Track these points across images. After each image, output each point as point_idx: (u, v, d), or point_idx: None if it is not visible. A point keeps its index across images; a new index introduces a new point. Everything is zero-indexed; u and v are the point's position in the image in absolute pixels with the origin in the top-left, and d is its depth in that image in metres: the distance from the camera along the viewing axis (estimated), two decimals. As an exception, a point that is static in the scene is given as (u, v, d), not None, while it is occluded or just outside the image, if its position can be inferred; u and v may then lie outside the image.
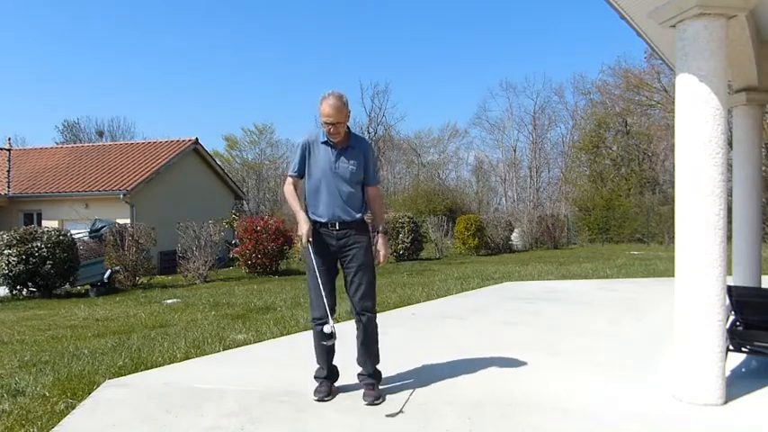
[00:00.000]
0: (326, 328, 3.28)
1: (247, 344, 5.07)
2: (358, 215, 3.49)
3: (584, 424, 3.07)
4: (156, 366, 4.32)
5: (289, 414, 3.24)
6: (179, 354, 4.69)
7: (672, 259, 3.86)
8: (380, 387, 3.57)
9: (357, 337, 3.53)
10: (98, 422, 3.16)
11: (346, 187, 3.42)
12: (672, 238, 17.70)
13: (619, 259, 14.78)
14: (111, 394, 3.65)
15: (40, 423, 3.17)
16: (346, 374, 3.89)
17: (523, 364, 4.25)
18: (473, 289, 8.86)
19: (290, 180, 3.57)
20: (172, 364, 4.38)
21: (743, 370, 4.12)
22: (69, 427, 3.10)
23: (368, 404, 3.36)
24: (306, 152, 3.48)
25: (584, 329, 5.59)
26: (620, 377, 3.90)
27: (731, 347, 3.75)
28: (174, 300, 9.68)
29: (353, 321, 3.57)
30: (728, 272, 3.58)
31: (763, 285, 6.01)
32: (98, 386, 3.82)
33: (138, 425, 3.09)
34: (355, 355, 3.60)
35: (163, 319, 7.31)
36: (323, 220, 3.44)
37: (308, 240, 3.41)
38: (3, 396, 3.72)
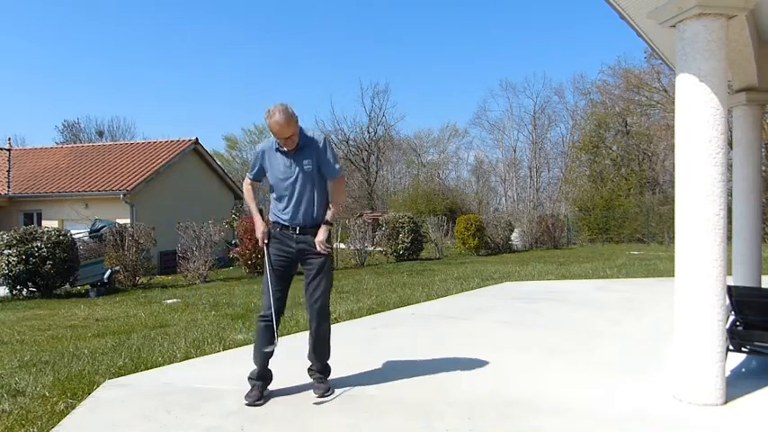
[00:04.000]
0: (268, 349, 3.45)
1: (247, 344, 5.06)
2: (318, 219, 3.51)
3: (584, 424, 3.07)
4: (156, 366, 4.32)
5: (289, 414, 3.24)
6: (179, 354, 4.69)
7: (672, 259, 3.86)
8: (377, 386, 3.62)
9: (309, 337, 3.61)
10: (98, 422, 3.16)
11: (305, 190, 3.47)
12: (672, 238, 17.71)
13: (619, 259, 14.78)
14: (111, 394, 3.65)
15: (40, 423, 3.17)
16: (346, 375, 3.90)
17: (523, 364, 4.25)
18: (473, 289, 8.86)
19: (247, 181, 3.78)
20: (172, 364, 4.38)
21: (743, 370, 4.12)
22: (69, 427, 3.10)
23: (318, 396, 3.45)
24: (262, 161, 3.59)
25: (584, 329, 5.59)
26: (621, 377, 3.90)
27: (731, 347, 3.75)
28: (174, 300, 9.68)
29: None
30: (728, 272, 3.58)
31: (763, 285, 6.02)
32: (98, 386, 3.82)
33: (138, 425, 3.09)
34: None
35: (163, 319, 7.31)
36: (284, 223, 3.51)
37: (264, 243, 3.55)
38: (3, 396, 3.72)
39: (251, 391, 3.43)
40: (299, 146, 3.45)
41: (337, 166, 3.55)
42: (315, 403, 3.40)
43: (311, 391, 3.57)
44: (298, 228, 3.48)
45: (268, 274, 3.47)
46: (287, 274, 3.56)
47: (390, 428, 3.02)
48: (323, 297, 3.51)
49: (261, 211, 3.73)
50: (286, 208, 3.50)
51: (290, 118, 3.31)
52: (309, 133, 3.52)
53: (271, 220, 3.61)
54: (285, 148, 3.44)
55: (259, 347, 3.50)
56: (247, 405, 3.34)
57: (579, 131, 35.73)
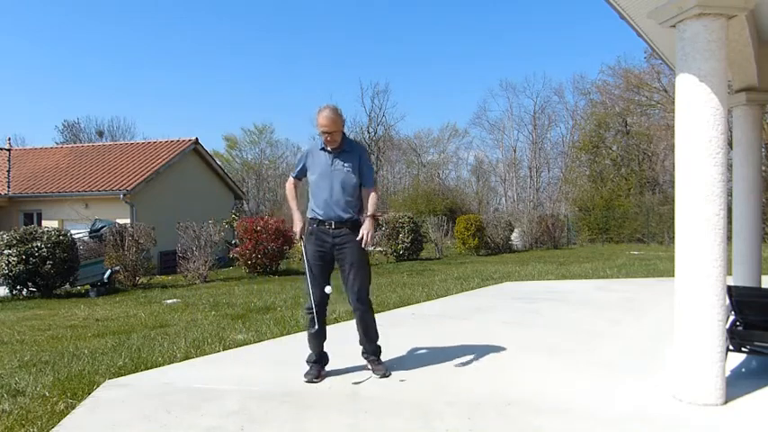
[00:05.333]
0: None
1: (247, 344, 5.07)
2: (353, 214, 3.84)
3: (585, 424, 3.07)
4: (156, 366, 4.32)
5: (289, 414, 3.24)
6: (179, 354, 4.69)
7: (672, 259, 3.86)
8: (377, 385, 3.65)
9: (357, 325, 3.99)
10: (98, 422, 3.16)
11: (342, 187, 3.80)
12: (672, 238, 17.70)
13: (619, 259, 14.78)
14: (111, 394, 3.65)
15: (40, 423, 3.17)
16: (346, 374, 3.89)
17: (523, 364, 4.25)
18: (473, 289, 8.85)
19: (290, 180, 4.10)
20: (172, 364, 4.38)
21: (743, 370, 4.12)
22: (69, 427, 3.10)
23: (380, 377, 3.82)
24: (306, 159, 3.97)
25: (584, 329, 5.58)
26: (621, 377, 3.90)
27: (731, 347, 3.75)
28: (174, 300, 9.68)
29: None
30: (728, 272, 3.58)
31: (763, 285, 6.02)
32: (98, 386, 3.82)
33: (138, 425, 3.09)
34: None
35: (163, 319, 7.31)
36: (320, 218, 3.83)
37: (301, 237, 3.92)
38: (3, 396, 3.73)
39: (309, 370, 3.85)
40: (343, 149, 3.84)
41: (374, 176, 4.01)
42: (375, 375, 3.85)
43: (311, 390, 3.58)
44: (333, 222, 3.80)
45: (307, 271, 3.81)
46: (326, 268, 3.87)
47: (390, 428, 3.02)
48: (363, 288, 3.85)
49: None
50: (323, 203, 3.81)
51: (337, 117, 3.74)
52: (355, 142, 3.99)
53: (308, 216, 3.93)
54: (329, 148, 3.82)
55: (309, 335, 3.91)
56: (306, 382, 3.76)
57: (579, 131, 35.73)
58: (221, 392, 3.60)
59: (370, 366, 3.96)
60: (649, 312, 6.49)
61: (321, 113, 3.72)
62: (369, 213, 3.84)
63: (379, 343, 4.03)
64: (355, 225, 3.83)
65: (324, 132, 3.73)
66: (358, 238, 3.75)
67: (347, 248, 3.79)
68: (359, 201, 3.90)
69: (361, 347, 4.06)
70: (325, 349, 3.95)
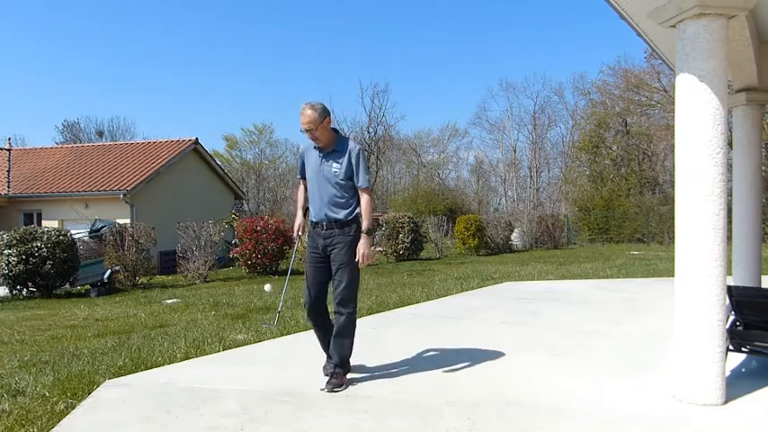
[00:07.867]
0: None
1: (247, 344, 5.07)
2: (342, 215, 3.72)
3: (584, 424, 3.07)
4: (156, 366, 4.32)
5: (289, 414, 3.24)
6: (179, 354, 4.69)
7: (672, 259, 3.86)
8: (377, 385, 3.63)
9: (334, 329, 3.75)
10: (98, 422, 3.16)
11: (330, 188, 3.72)
12: (672, 238, 17.71)
13: (619, 259, 14.77)
14: (111, 394, 3.65)
15: (40, 423, 3.17)
16: (349, 375, 3.89)
17: (523, 364, 4.25)
18: (473, 289, 8.85)
19: (299, 182, 4.06)
20: (172, 364, 4.38)
21: (743, 370, 4.12)
22: (69, 427, 3.10)
23: (328, 391, 3.57)
24: (302, 158, 3.94)
25: (584, 329, 5.58)
26: (620, 377, 3.90)
27: (731, 347, 3.75)
28: (174, 300, 9.68)
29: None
30: (728, 272, 3.58)
31: (763, 285, 6.02)
32: (98, 386, 3.82)
33: (138, 425, 3.09)
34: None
35: (163, 319, 7.31)
36: (314, 220, 3.82)
37: (298, 235, 3.96)
38: (3, 396, 3.72)
39: (325, 363, 3.87)
40: (334, 149, 3.73)
41: (366, 177, 3.75)
42: (321, 389, 3.60)
43: (311, 390, 3.58)
44: (324, 224, 3.74)
45: (307, 270, 3.85)
46: (321, 270, 3.78)
47: (390, 428, 3.02)
48: (345, 290, 3.67)
49: (307, 210, 3.99)
50: (314, 205, 3.80)
51: (315, 114, 3.60)
52: (347, 141, 3.79)
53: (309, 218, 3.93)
54: (317, 145, 3.73)
55: (314, 332, 3.95)
56: (325, 375, 3.76)
57: (579, 131, 35.75)
58: (221, 392, 3.60)
59: (328, 378, 3.67)
60: (649, 312, 6.49)
61: (301, 113, 3.62)
62: (364, 229, 3.70)
63: (350, 360, 3.79)
64: (345, 225, 3.70)
65: (305, 130, 3.64)
66: (357, 257, 3.65)
67: (337, 248, 3.68)
68: (351, 200, 3.74)
69: (328, 357, 3.85)
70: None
